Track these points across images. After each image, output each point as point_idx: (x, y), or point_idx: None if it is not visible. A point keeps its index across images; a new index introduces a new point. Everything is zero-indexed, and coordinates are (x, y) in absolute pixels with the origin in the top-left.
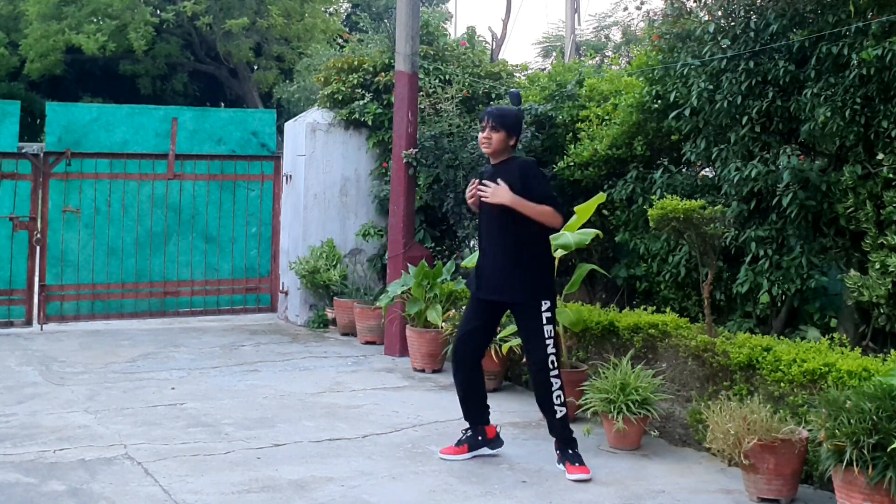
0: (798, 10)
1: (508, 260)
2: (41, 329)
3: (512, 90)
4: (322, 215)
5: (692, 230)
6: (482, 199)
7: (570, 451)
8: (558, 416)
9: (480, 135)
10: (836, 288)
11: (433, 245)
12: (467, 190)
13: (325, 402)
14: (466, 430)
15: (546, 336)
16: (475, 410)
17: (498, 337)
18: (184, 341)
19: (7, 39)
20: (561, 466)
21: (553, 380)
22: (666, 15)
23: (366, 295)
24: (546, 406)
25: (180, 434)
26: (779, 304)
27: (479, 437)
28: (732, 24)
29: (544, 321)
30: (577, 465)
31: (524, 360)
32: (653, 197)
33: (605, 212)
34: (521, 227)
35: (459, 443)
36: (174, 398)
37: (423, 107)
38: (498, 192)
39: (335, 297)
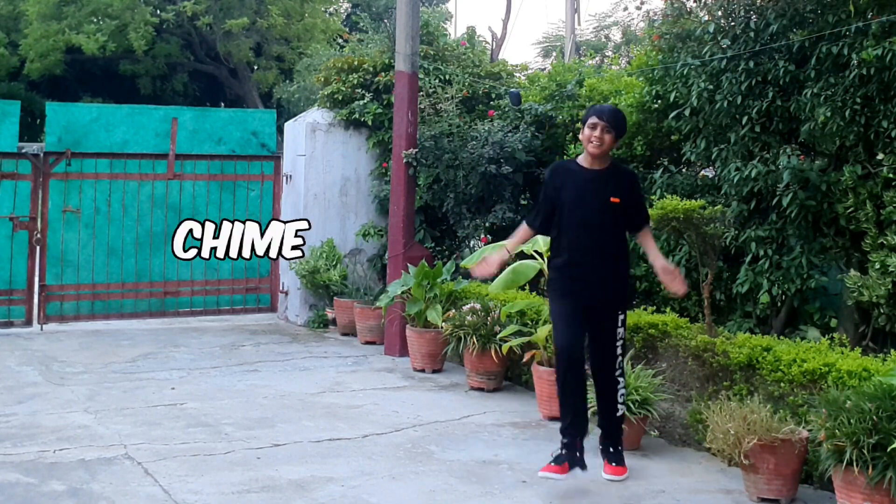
0: (798, 10)
1: (612, 267)
2: (41, 329)
3: (512, 90)
4: (322, 215)
5: (692, 230)
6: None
7: (613, 451)
8: (619, 413)
9: (590, 133)
10: (836, 288)
11: (433, 245)
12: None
13: (325, 402)
14: (564, 446)
15: (622, 338)
16: (585, 422)
17: (498, 337)
18: (184, 341)
19: (7, 39)
20: (599, 460)
21: (620, 378)
22: (666, 15)
23: (366, 295)
24: (610, 405)
25: (180, 434)
26: (779, 304)
27: (578, 454)
28: (732, 24)
29: (622, 325)
30: (615, 465)
31: (524, 360)
32: (653, 197)
33: None
34: (618, 239)
35: (559, 460)
36: (174, 398)
37: (423, 107)
38: (678, 282)
39: (335, 297)
